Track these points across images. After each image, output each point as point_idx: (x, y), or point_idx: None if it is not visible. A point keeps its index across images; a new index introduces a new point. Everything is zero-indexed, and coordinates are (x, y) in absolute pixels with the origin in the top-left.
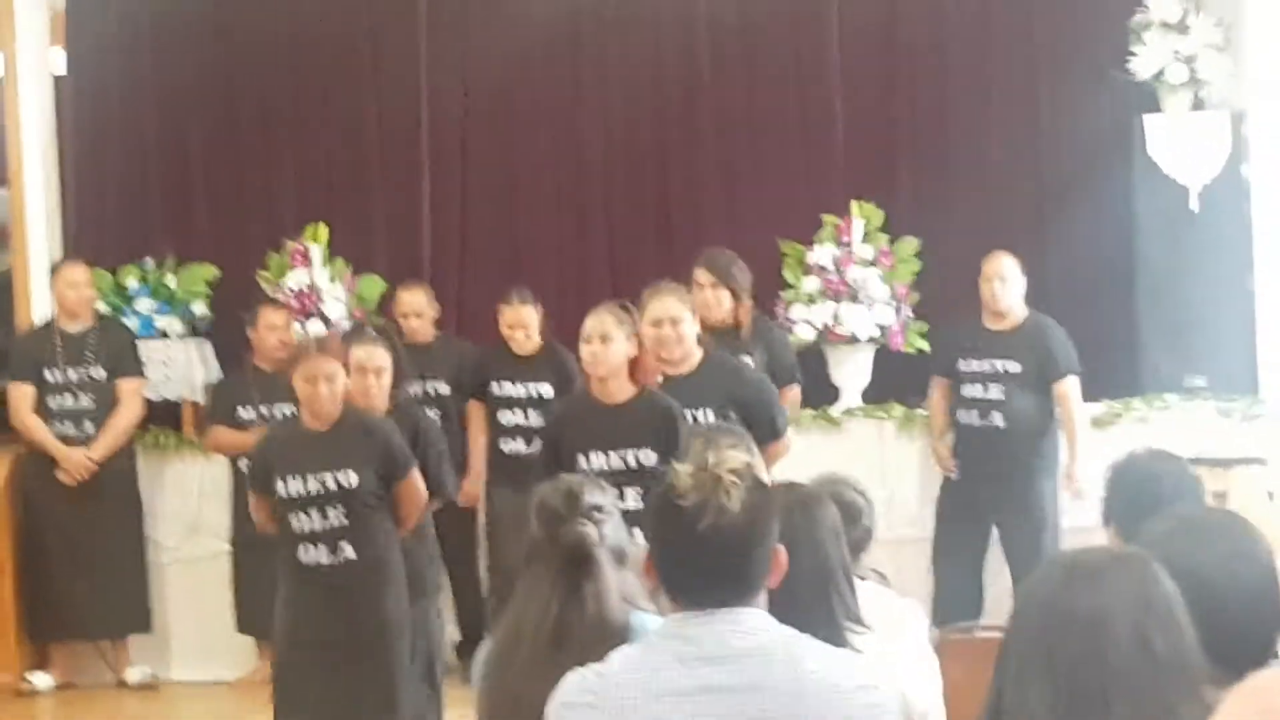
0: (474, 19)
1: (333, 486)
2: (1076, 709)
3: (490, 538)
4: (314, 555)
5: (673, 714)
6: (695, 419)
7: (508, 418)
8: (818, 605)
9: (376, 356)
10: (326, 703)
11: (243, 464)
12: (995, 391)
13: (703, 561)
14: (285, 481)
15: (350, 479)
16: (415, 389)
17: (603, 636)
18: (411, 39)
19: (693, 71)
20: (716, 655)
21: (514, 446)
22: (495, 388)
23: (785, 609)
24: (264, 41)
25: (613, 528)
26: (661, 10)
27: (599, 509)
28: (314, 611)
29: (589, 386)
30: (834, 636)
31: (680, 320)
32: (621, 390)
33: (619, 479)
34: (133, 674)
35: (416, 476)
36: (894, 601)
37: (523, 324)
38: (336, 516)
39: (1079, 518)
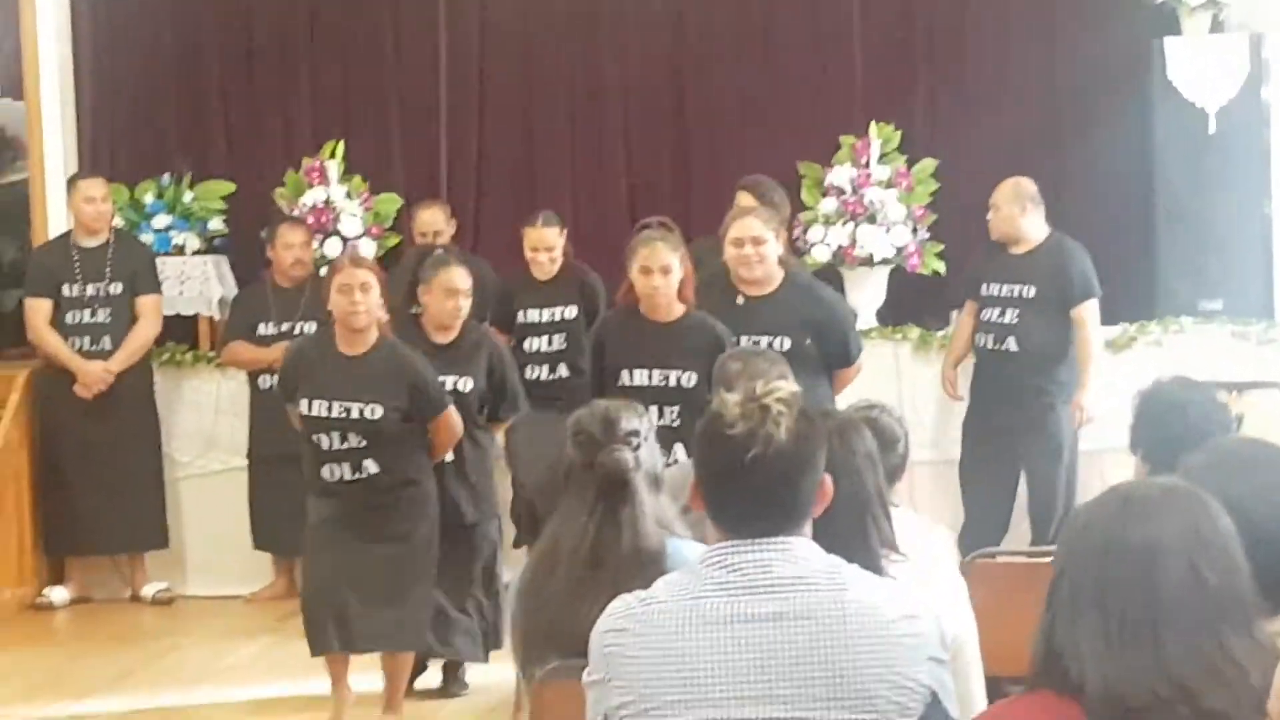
0: None
1: (355, 416)
2: (1127, 639)
3: (511, 462)
4: (338, 472)
5: (716, 641)
6: (771, 346)
7: (532, 344)
8: (854, 532)
9: (461, 278)
10: (351, 617)
11: (261, 381)
12: (1010, 316)
13: (750, 491)
14: (310, 403)
15: (374, 412)
16: None
17: (638, 561)
18: None
19: None
20: (761, 584)
21: (538, 373)
22: (520, 315)
23: (822, 536)
24: None
25: (649, 453)
26: None
27: (635, 434)
28: (338, 525)
29: (636, 304)
30: (870, 564)
31: (763, 240)
32: (670, 310)
33: (660, 396)
34: (148, 589)
35: (450, 414)
36: (924, 527)
37: (546, 245)
38: (357, 440)
39: (1094, 441)
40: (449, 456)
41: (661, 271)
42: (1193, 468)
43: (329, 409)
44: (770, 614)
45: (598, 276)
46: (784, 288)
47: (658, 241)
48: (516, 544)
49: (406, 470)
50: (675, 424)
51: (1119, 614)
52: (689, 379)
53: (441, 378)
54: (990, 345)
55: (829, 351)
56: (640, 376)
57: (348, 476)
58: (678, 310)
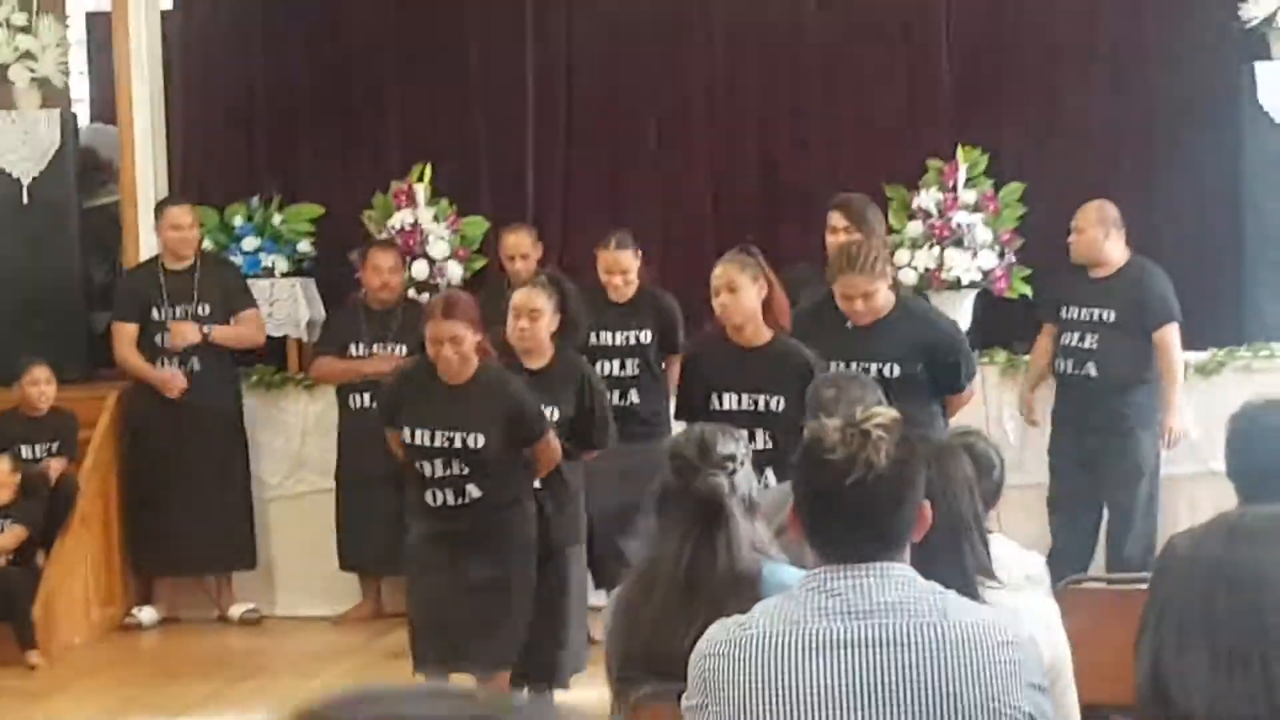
0: None
1: (458, 445)
2: (1235, 667)
3: (586, 490)
4: (440, 498)
5: (816, 666)
6: (881, 373)
7: (603, 368)
8: (950, 557)
9: (533, 299)
10: (454, 637)
11: (353, 401)
12: (1090, 340)
13: (849, 515)
14: (413, 432)
15: (477, 441)
16: None
17: (734, 586)
18: None
19: (798, 11)
20: (860, 609)
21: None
22: (593, 338)
23: (918, 561)
24: None
25: (744, 477)
26: None
27: (731, 459)
28: (441, 545)
29: (722, 330)
30: (966, 589)
31: (873, 293)
32: (757, 334)
33: (749, 421)
34: (235, 609)
35: (550, 439)
36: (1018, 553)
37: (621, 268)
38: (460, 467)
39: (1180, 466)
40: (535, 483)
41: (728, 289)
42: None
43: (432, 438)
44: (870, 639)
45: (674, 300)
46: (895, 313)
47: (726, 262)
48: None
49: (508, 493)
50: (767, 447)
51: (1227, 643)
52: (778, 403)
53: None
54: (1070, 370)
55: (940, 377)
56: (730, 400)
57: (451, 501)
58: (765, 334)
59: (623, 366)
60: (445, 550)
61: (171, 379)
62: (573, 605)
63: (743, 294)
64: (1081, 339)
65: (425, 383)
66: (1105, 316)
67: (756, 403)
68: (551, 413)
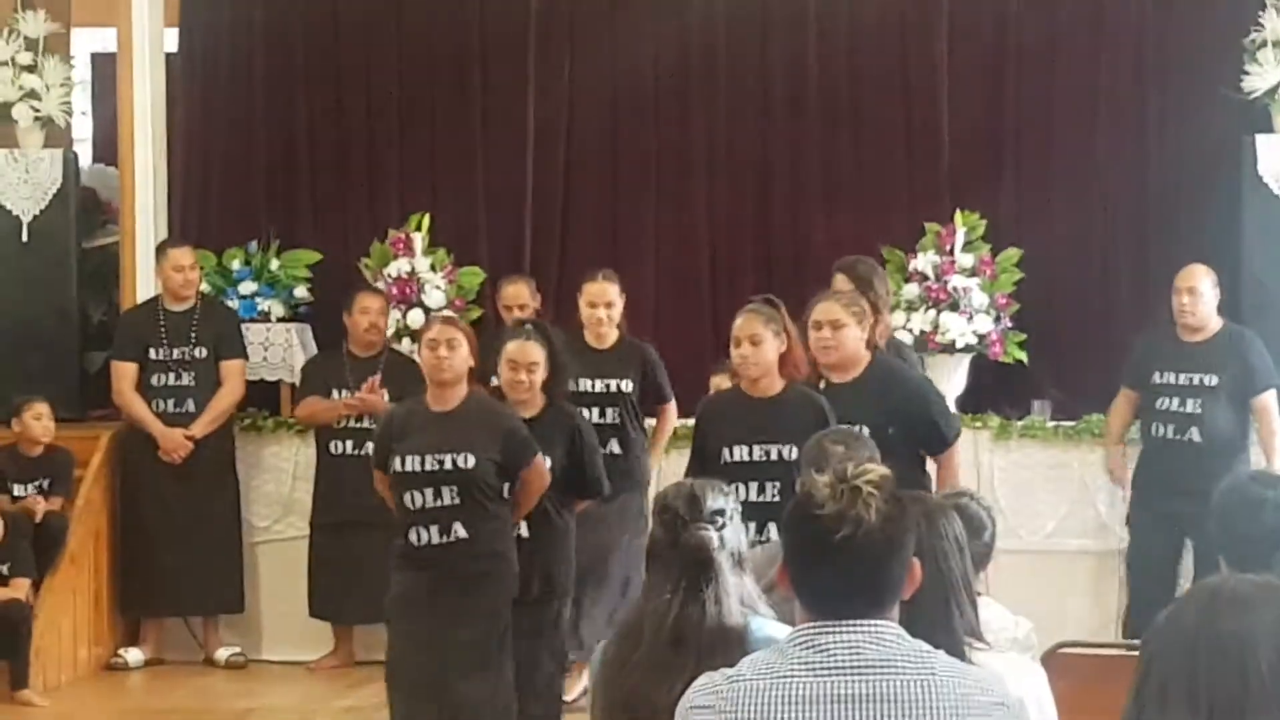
0: (582, 16)
1: (449, 467)
2: None
3: None
4: (425, 536)
5: None
6: None
7: (584, 415)
8: (939, 618)
9: (530, 352)
10: (435, 693)
11: (333, 447)
12: (1192, 405)
13: (838, 572)
14: (402, 460)
15: (467, 460)
16: None
17: (721, 639)
18: (520, 35)
19: (799, 73)
20: (848, 665)
21: None
22: (572, 384)
23: (907, 620)
24: (373, 30)
25: (733, 532)
26: (770, 12)
27: (720, 513)
28: (421, 599)
29: (738, 383)
30: (954, 649)
31: (841, 324)
32: (771, 385)
33: (760, 472)
34: (221, 652)
35: (540, 464)
36: (1006, 616)
37: (606, 300)
38: (450, 496)
39: None
40: (523, 531)
41: (750, 342)
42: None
43: (421, 463)
44: (857, 695)
45: (654, 350)
46: (866, 373)
47: (749, 312)
48: None
49: (493, 542)
50: (775, 500)
51: (1208, 704)
52: (790, 452)
53: None
54: (1170, 435)
55: (919, 435)
56: (741, 452)
57: (435, 540)
58: (779, 385)
59: (602, 414)
60: (425, 604)
61: (176, 447)
62: (547, 659)
63: (764, 347)
64: (1182, 403)
65: (415, 413)
66: (1207, 381)
67: (768, 453)
68: (545, 462)
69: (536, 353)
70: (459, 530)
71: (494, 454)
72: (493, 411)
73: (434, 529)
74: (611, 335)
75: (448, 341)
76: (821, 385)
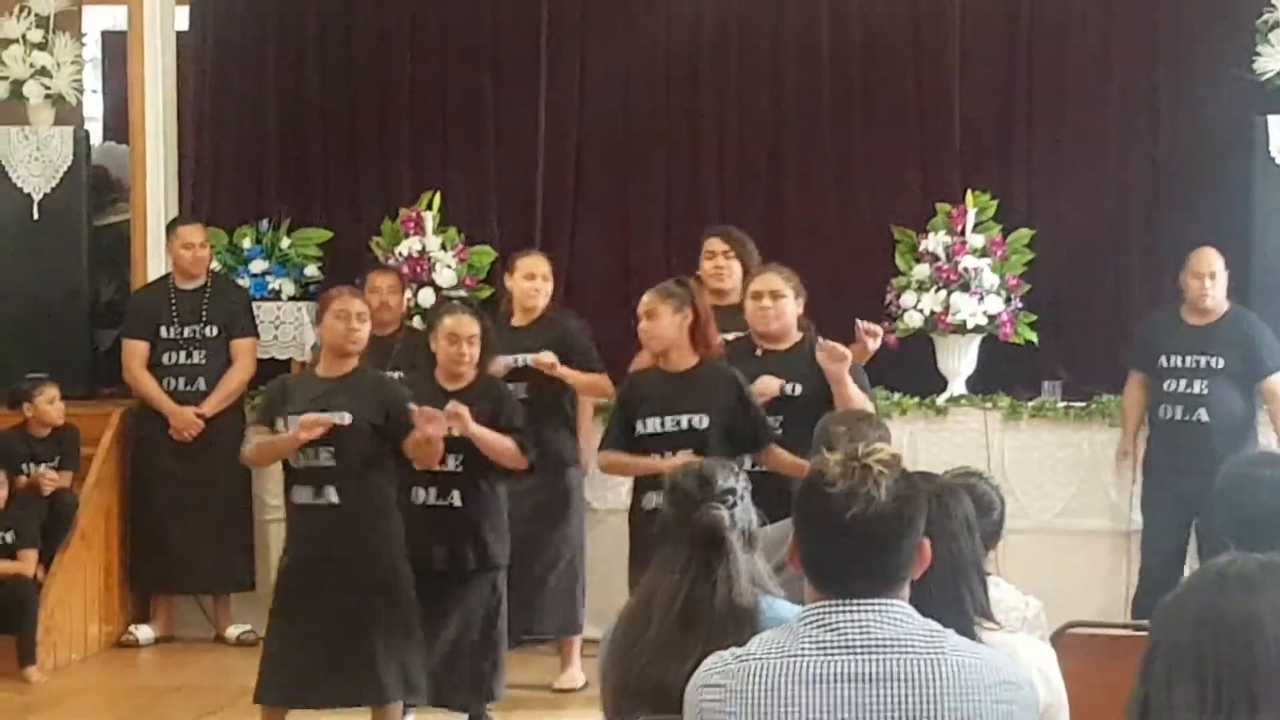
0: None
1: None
2: (1223, 709)
3: None
4: (303, 495)
5: (812, 700)
6: (784, 390)
7: None
8: (949, 598)
9: (468, 324)
10: (310, 674)
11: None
12: (1200, 387)
13: (848, 551)
14: (285, 420)
15: (342, 418)
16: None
17: (732, 619)
18: (533, 13)
19: (811, 55)
20: (858, 644)
21: None
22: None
23: (916, 599)
24: (385, 9)
25: (744, 511)
26: None
27: (731, 492)
28: (307, 572)
29: (656, 364)
30: (964, 629)
31: (781, 295)
32: (682, 359)
33: (673, 442)
34: (233, 630)
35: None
36: (1016, 596)
37: (542, 270)
38: (326, 457)
39: None
40: (458, 501)
41: (647, 316)
42: None
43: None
44: (867, 674)
45: (580, 320)
46: (802, 342)
47: (652, 291)
48: None
49: (366, 505)
50: None
51: (1215, 684)
52: (700, 421)
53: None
54: (1179, 417)
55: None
56: (654, 424)
57: (309, 500)
58: (691, 360)
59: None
60: (311, 578)
61: (187, 425)
62: (484, 630)
63: (660, 322)
64: (1190, 385)
65: (303, 378)
66: (1214, 364)
67: (679, 423)
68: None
69: (474, 325)
70: (330, 494)
71: (374, 414)
72: (379, 381)
73: (308, 488)
74: (537, 312)
75: (358, 314)
76: (758, 353)
